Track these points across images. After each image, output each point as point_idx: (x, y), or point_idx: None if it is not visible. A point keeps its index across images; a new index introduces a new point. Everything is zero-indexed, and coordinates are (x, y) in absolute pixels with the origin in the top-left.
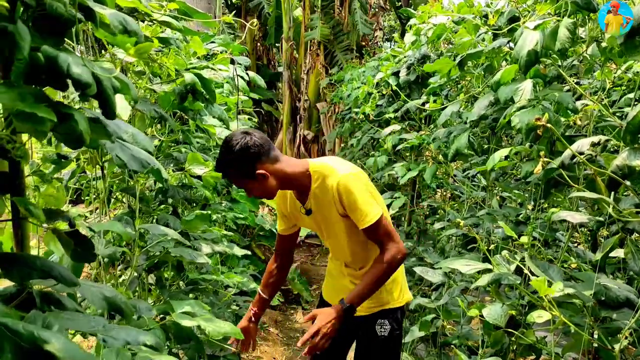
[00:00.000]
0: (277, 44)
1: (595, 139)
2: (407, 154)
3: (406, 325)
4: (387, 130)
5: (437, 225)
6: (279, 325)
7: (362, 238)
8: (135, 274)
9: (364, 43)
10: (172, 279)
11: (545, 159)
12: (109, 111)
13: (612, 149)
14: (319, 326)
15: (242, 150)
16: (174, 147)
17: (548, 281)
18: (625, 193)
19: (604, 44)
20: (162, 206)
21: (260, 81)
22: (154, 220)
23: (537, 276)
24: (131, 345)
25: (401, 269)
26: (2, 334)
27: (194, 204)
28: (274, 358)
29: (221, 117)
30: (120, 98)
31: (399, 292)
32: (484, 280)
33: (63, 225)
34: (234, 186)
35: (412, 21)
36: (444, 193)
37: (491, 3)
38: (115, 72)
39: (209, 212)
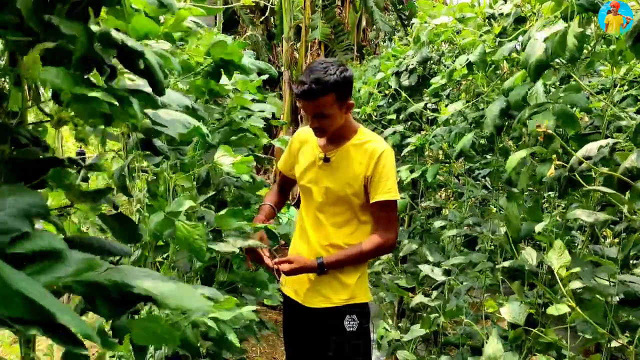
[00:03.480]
0: (277, 44)
1: (604, 142)
2: (407, 155)
3: (406, 324)
4: (389, 131)
5: (437, 224)
6: (278, 325)
7: (349, 216)
8: (176, 270)
9: (364, 43)
10: (221, 278)
11: (558, 162)
12: (158, 85)
13: (619, 148)
14: (292, 262)
15: (347, 77)
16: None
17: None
18: None
19: (612, 46)
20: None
21: (272, 70)
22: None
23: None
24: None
25: (366, 267)
26: (90, 290)
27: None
28: (274, 358)
29: (268, 71)
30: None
31: (366, 287)
32: (505, 263)
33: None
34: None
35: (414, 21)
36: (447, 192)
37: (495, 2)
38: (157, 47)
39: (240, 208)
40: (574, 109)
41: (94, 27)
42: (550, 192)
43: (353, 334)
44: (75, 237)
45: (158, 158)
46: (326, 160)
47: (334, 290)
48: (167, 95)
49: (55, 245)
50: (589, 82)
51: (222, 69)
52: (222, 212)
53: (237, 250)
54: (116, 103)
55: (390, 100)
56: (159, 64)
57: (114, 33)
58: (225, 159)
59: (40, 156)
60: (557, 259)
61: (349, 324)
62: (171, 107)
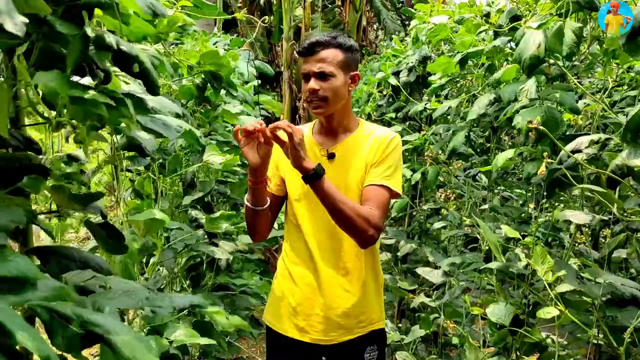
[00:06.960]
0: (278, 44)
1: (595, 137)
2: (407, 154)
3: (407, 325)
4: None
5: (437, 225)
6: None
7: None
8: (166, 272)
9: (364, 43)
10: (208, 279)
11: (549, 160)
12: (153, 86)
13: (615, 148)
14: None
15: (354, 44)
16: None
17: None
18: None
19: (604, 46)
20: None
21: (268, 69)
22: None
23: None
24: (178, 308)
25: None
26: (52, 318)
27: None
28: None
29: (245, 99)
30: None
31: (383, 310)
32: (493, 265)
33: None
34: None
35: (413, 22)
36: (446, 193)
37: (492, 2)
38: (151, 50)
39: (233, 213)
40: (559, 108)
41: (89, 31)
42: (537, 192)
43: None
44: (56, 247)
45: (147, 160)
46: (331, 156)
47: (356, 318)
48: (158, 101)
49: (28, 274)
50: (589, 82)
51: (210, 83)
52: (214, 215)
53: (230, 257)
54: (113, 104)
55: (390, 100)
56: (154, 66)
57: (108, 37)
58: (215, 158)
59: (29, 160)
60: (541, 264)
61: (370, 355)
62: (162, 112)
